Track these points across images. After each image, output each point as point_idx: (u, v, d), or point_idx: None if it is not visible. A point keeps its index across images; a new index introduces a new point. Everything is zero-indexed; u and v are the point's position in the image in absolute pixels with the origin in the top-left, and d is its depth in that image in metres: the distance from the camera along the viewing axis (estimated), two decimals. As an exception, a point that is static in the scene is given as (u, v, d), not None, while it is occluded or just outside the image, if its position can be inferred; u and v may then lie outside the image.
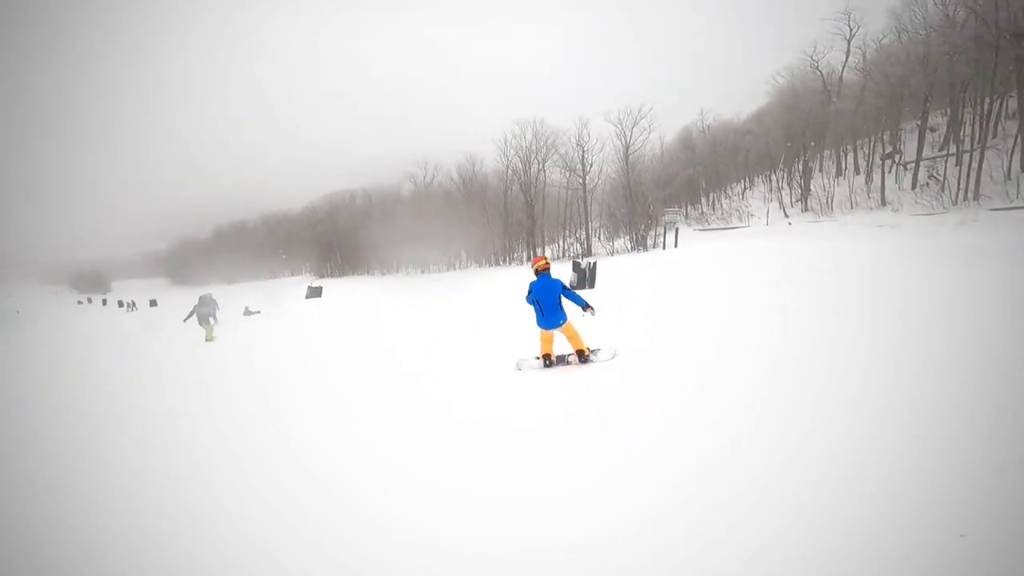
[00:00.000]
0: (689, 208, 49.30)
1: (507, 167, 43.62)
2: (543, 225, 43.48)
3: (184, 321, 14.50)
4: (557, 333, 6.15)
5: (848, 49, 37.34)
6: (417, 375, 6.71)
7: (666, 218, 29.55)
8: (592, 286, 15.04)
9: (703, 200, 51.00)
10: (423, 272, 49.99)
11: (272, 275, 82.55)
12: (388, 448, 3.66)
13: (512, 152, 42.43)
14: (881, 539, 2.16)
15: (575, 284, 14.96)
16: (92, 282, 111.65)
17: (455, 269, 47.52)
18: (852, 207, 33.13)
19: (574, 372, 5.82)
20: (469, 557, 2.36)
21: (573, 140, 39.72)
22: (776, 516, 2.41)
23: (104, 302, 53.08)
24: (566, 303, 6.11)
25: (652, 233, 32.51)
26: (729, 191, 50.61)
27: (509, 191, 44.10)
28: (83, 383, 8.73)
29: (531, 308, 6.15)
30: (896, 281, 8.31)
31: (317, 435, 4.05)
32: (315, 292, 29.20)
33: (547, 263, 6.20)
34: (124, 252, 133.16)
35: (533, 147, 41.84)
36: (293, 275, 78.32)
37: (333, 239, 62.22)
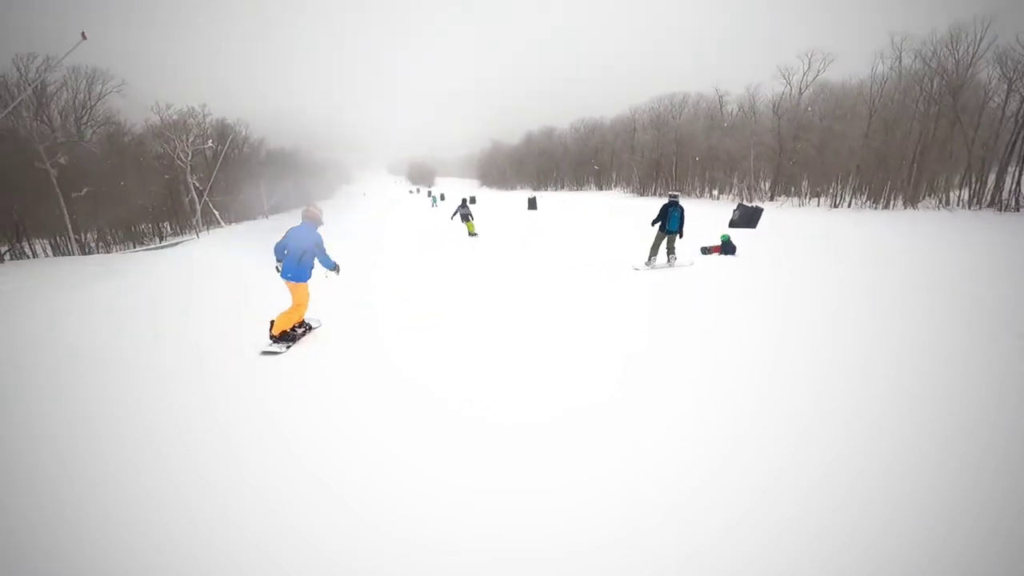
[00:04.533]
0: None
1: None
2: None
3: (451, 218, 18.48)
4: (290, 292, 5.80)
5: None
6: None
7: None
8: None
9: None
10: (802, 204, 33.87)
11: (577, 186, 76.67)
12: (391, 443, 3.44)
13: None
14: (879, 541, 2.22)
15: None
16: (422, 176, 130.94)
17: (830, 205, 30.10)
18: None
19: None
20: (471, 557, 2.34)
21: None
22: (777, 517, 2.43)
23: (429, 193, 60.26)
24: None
25: None
26: None
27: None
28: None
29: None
30: None
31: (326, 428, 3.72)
32: (749, 218, 17.34)
33: (312, 212, 5.81)
34: (449, 153, 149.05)
35: None
36: (600, 189, 70.75)
37: (669, 148, 49.81)
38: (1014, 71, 24.42)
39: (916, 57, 27.82)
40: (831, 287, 7.20)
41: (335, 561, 2.35)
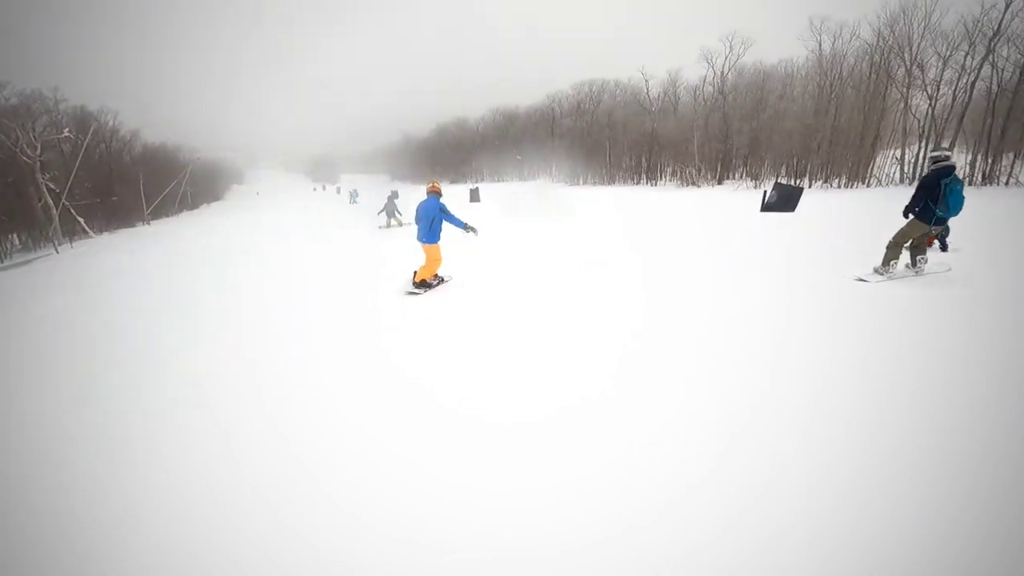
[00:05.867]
0: None
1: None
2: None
3: (378, 214, 18.91)
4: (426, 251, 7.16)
5: None
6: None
7: None
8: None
9: None
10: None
11: (498, 178, 74.19)
12: (387, 442, 3.36)
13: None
14: (879, 541, 2.14)
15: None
16: (324, 172, 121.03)
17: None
18: None
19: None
20: (468, 556, 2.28)
21: None
22: (776, 515, 2.34)
23: (338, 190, 64.37)
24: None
25: None
26: None
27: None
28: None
29: None
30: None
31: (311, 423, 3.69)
32: (787, 200, 15.27)
33: (435, 187, 7.17)
34: (353, 147, 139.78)
35: None
36: (524, 180, 68.73)
37: (602, 135, 48.72)
38: (946, 49, 25.40)
39: (860, 32, 28.49)
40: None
41: (334, 561, 2.30)
